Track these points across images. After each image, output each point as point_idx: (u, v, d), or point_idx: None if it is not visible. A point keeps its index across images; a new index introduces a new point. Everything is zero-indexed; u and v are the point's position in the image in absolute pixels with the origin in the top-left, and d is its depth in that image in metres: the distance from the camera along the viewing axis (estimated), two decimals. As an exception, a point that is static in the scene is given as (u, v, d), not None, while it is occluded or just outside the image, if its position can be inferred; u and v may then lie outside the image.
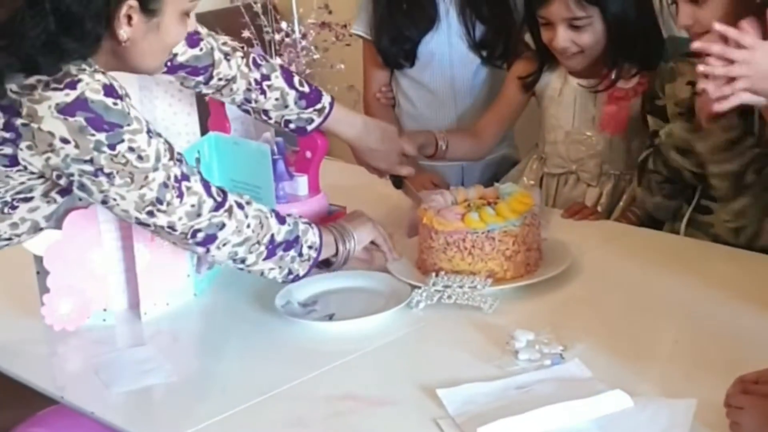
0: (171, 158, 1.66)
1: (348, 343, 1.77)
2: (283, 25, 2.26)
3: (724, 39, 1.66)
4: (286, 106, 2.05)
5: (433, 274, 1.93)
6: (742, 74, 1.63)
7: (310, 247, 1.83)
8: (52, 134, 1.55)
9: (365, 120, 2.22)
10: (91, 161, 1.58)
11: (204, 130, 2.16)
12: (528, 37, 2.52)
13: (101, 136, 1.56)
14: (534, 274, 1.95)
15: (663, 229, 2.26)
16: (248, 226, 1.74)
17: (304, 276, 1.85)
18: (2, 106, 1.57)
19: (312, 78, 2.23)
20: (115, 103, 1.57)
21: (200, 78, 1.98)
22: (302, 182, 2.17)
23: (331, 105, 2.10)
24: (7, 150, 1.59)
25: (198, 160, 2.03)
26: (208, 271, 2.02)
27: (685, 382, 1.57)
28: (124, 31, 1.60)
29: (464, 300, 1.87)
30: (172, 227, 1.68)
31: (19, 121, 1.56)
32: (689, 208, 2.19)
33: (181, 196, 1.66)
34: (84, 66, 1.58)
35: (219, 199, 1.71)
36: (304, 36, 2.25)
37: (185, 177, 1.67)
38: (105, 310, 1.90)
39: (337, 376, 1.67)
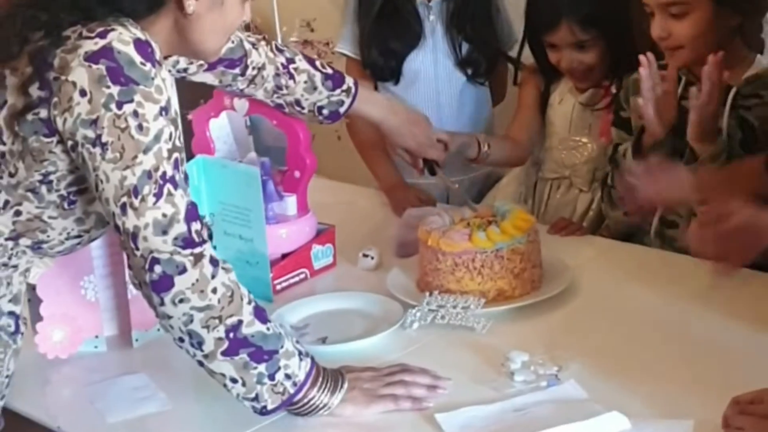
0: (170, 152, 1.53)
1: (342, 367, 1.77)
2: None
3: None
4: (315, 88, 2.10)
5: (427, 293, 1.94)
6: None
7: (288, 377, 1.58)
8: (74, 85, 1.48)
9: (389, 99, 2.29)
10: (95, 123, 1.49)
11: (188, 151, 2.16)
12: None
13: (114, 90, 1.48)
14: (539, 291, 1.97)
15: (633, 242, 2.28)
16: (214, 290, 1.53)
17: (273, 412, 1.59)
18: (37, 62, 1.52)
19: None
20: (143, 63, 1.50)
21: (237, 70, 2.03)
22: (291, 202, 2.16)
23: (356, 84, 2.15)
24: (43, 113, 1.52)
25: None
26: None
27: (681, 402, 1.58)
28: (190, 3, 1.58)
29: (457, 320, 1.88)
30: (135, 236, 1.51)
31: (51, 75, 1.50)
32: (655, 221, 2.20)
33: (158, 196, 1.51)
34: (126, 21, 1.54)
35: (196, 238, 1.54)
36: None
37: (173, 181, 1.53)
38: (97, 337, 1.89)
39: (333, 402, 1.67)
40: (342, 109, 2.14)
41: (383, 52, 2.59)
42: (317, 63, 2.13)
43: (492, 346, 1.79)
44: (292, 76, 2.09)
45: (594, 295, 1.99)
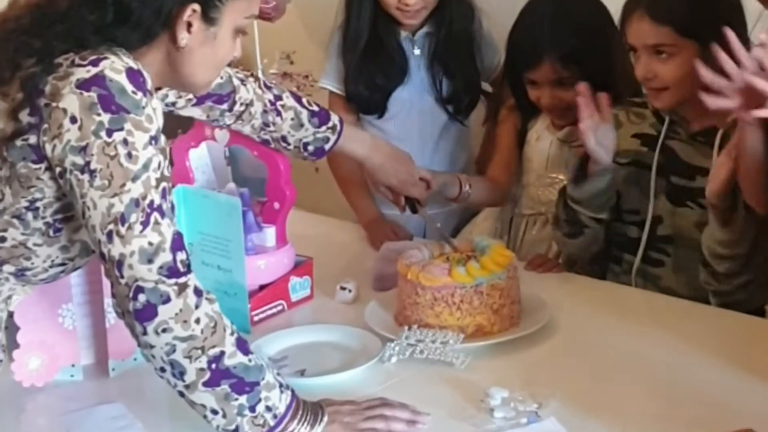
0: (158, 181, 1.53)
1: (321, 400, 1.77)
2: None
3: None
4: (302, 125, 2.11)
5: (406, 327, 1.94)
6: None
7: (268, 409, 1.57)
8: (65, 111, 1.49)
9: (373, 136, 2.31)
10: (84, 150, 1.49)
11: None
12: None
13: (105, 117, 1.48)
14: (518, 327, 1.97)
15: (607, 279, 2.30)
16: (197, 321, 1.52)
17: None
18: (28, 88, 1.52)
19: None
20: (134, 91, 1.51)
21: (224, 106, 2.03)
22: (270, 233, 2.16)
23: (341, 122, 2.17)
24: (32, 138, 1.53)
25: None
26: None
27: (661, 441, 1.60)
28: (183, 37, 1.59)
29: (436, 355, 1.87)
30: (120, 264, 1.50)
31: (42, 102, 1.51)
32: (637, 260, 2.22)
33: (145, 224, 1.50)
34: (119, 50, 1.55)
35: (181, 268, 1.53)
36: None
37: (161, 210, 1.53)
38: (73, 365, 1.88)
39: (312, 435, 1.66)
40: (327, 146, 2.15)
41: (369, 86, 2.61)
42: (304, 100, 2.14)
43: (471, 382, 1.79)
44: (279, 113, 2.09)
45: (573, 333, 1.99)
